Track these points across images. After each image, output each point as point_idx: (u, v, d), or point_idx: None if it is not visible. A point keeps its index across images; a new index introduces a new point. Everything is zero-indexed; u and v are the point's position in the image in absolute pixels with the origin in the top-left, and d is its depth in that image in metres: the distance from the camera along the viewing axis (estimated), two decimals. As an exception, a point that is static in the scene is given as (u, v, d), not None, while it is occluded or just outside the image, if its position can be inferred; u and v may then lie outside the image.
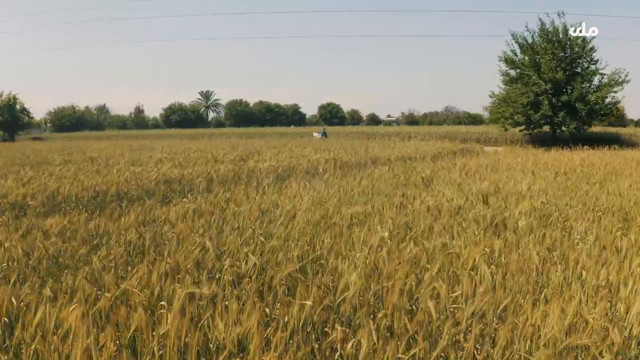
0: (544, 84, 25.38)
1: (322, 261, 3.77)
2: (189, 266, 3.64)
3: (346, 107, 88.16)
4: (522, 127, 27.43)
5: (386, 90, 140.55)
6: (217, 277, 3.55)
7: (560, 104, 25.58)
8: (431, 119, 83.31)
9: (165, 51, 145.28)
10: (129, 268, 4.11)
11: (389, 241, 4.24)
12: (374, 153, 16.33)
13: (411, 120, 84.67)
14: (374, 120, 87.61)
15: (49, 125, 77.46)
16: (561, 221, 5.37)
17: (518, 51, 27.36)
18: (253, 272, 3.60)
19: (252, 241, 4.46)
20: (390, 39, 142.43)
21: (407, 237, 4.66)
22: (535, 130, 27.83)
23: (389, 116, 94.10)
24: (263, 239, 4.43)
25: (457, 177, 8.95)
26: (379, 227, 4.68)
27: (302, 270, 3.68)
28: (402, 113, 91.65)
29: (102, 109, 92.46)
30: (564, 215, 5.60)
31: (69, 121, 76.09)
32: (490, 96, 29.06)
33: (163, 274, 3.50)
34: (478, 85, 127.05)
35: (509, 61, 27.50)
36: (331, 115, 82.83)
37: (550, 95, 25.62)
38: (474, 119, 72.61)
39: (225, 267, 3.52)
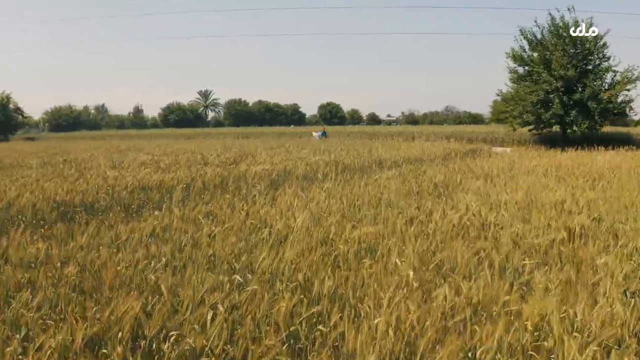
0: (554, 81, 24.14)
1: (321, 327, 2.56)
2: (123, 333, 2.45)
3: (346, 107, 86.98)
4: (531, 126, 26.23)
5: (386, 90, 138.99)
6: (164, 351, 2.37)
7: (571, 102, 24.35)
8: (431, 118, 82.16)
9: (165, 50, 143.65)
10: (59, 320, 2.95)
11: (414, 283, 3.05)
12: (378, 155, 15.12)
13: (411, 120, 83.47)
14: (374, 120, 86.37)
15: (46, 125, 76.31)
16: (630, 247, 4.19)
17: (527, 47, 26.11)
18: (218, 341, 2.42)
19: (225, 279, 3.29)
20: (390, 37, 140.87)
21: (434, 269, 3.49)
22: (544, 130, 26.62)
23: (389, 116, 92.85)
24: (240, 278, 3.26)
25: (481, 184, 7.73)
26: (397, 260, 3.49)
27: (291, 338, 2.49)
28: (402, 113, 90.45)
29: (101, 109, 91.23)
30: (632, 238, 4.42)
31: (66, 121, 74.72)
32: (498, 94, 27.88)
33: (81, 348, 2.33)
34: (478, 85, 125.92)
35: (517, 58, 26.23)
36: (331, 115, 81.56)
37: (561, 94, 24.39)
38: (475, 119, 71.77)
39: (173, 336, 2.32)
